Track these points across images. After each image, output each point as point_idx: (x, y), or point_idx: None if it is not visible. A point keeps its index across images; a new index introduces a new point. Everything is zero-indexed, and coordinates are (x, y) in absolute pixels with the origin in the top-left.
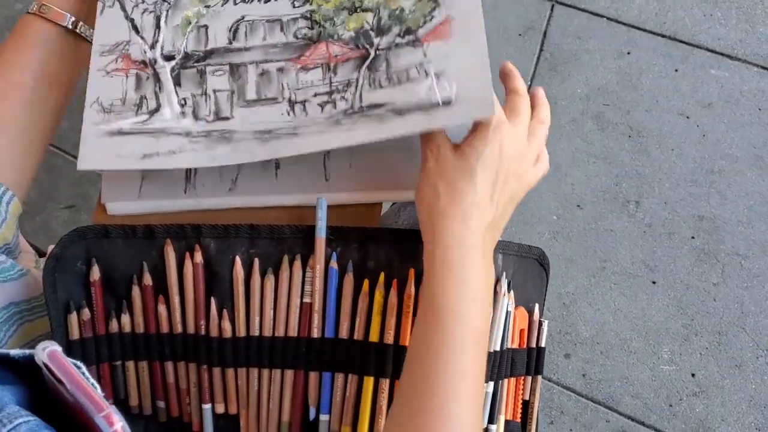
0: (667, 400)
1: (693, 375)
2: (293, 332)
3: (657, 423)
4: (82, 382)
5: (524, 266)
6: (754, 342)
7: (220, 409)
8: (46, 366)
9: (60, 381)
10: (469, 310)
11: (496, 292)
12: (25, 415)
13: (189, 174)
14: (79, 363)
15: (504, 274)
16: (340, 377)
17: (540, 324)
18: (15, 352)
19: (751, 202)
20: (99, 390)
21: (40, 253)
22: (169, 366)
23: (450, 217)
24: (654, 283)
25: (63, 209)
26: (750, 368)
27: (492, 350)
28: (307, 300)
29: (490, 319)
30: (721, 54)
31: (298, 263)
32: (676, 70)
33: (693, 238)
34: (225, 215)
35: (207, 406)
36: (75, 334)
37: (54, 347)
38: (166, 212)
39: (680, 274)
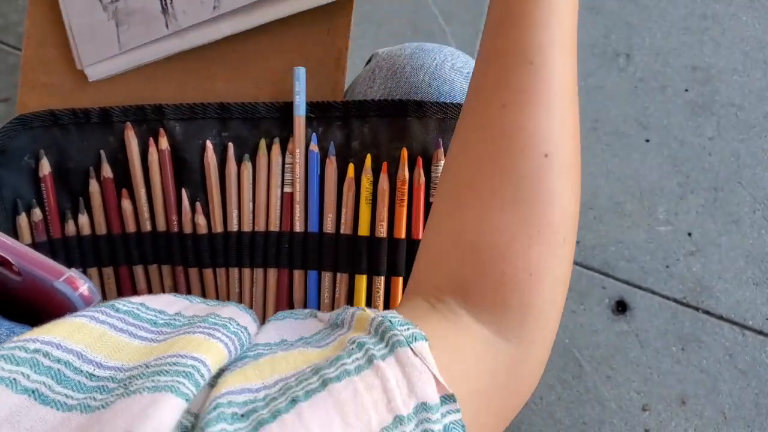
0: (663, 261)
1: (689, 234)
2: (274, 226)
3: (654, 285)
4: (28, 252)
5: None
6: (751, 196)
7: None
8: None
9: (1, 262)
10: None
11: None
12: None
13: (165, 3)
14: (18, 243)
15: None
16: (327, 276)
17: None
18: None
19: (747, 48)
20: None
21: None
22: (139, 270)
23: None
24: (647, 141)
25: None
26: (747, 223)
27: None
28: (288, 189)
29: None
30: None
31: (276, 147)
32: None
33: (687, 90)
34: (193, 91)
35: None
36: (26, 237)
37: None
38: (152, 61)
39: (674, 130)
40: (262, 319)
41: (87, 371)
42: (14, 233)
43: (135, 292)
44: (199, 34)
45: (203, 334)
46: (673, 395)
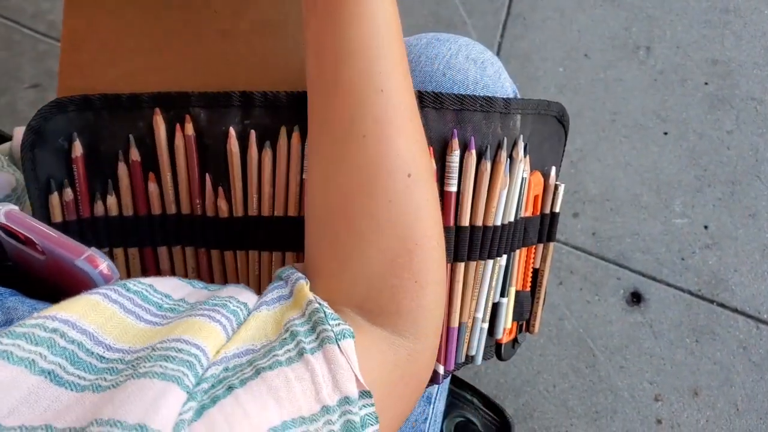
0: (679, 253)
1: (706, 227)
2: (294, 212)
3: (669, 277)
4: (51, 232)
5: (541, 125)
6: None
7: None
8: (6, 229)
9: (24, 241)
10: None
11: (512, 158)
12: None
13: None
14: (42, 224)
15: (521, 136)
16: None
17: (556, 188)
18: None
19: None
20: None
21: (5, 138)
22: (163, 252)
23: None
24: (666, 134)
25: (27, 89)
26: (764, 217)
27: (506, 222)
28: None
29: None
30: None
31: (297, 135)
32: None
33: (706, 84)
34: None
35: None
36: (57, 216)
37: (10, 207)
38: None
39: (693, 123)
40: None
41: (98, 353)
42: (46, 211)
43: (158, 272)
44: None
45: (204, 316)
46: (685, 386)
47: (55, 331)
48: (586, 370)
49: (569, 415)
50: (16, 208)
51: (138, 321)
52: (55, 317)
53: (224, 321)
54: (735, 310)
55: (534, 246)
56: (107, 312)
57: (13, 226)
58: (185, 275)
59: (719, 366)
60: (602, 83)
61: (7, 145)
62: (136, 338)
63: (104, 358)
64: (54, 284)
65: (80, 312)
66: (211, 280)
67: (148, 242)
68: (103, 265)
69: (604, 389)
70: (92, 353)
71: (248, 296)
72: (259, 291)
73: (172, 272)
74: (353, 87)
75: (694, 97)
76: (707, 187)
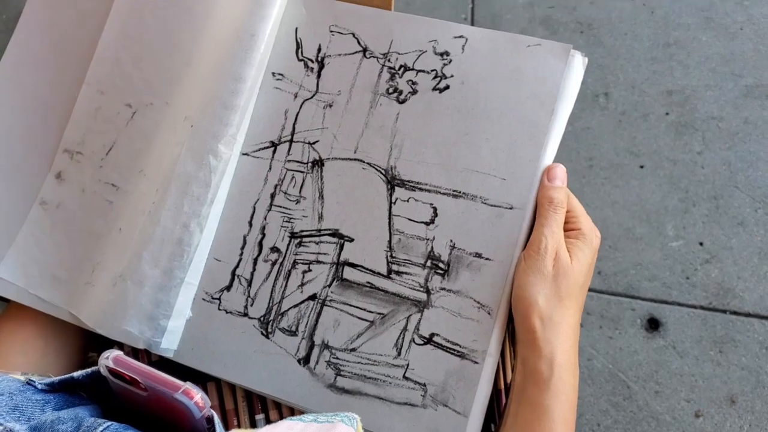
0: (682, 273)
1: (701, 244)
2: None
3: (679, 298)
4: (153, 372)
5: None
6: (750, 197)
7: (275, 416)
8: (114, 372)
9: (130, 381)
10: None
11: None
12: (103, 422)
13: None
14: (143, 365)
15: None
16: None
17: None
18: (77, 373)
19: (713, 65)
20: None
21: None
22: (212, 386)
23: (566, 333)
24: (642, 167)
25: None
26: (752, 222)
27: None
28: None
29: None
30: None
31: None
32: None
33: (667, 114)
34: None
35: (260, 417)
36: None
37: (117, 352)
38: None
39: (664, 152)
40: None
41: None
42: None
43: (221, 404)
44: None
45: None
46: (721, 397)
47: None
48: (624, 403)
49: None
50: (121, 353)
51: None
52: None
53: None
54: (748, 315)
55: None
56: None
57: (122, 370)
58: (234, 409)
59: (747, 371)
60: (572, 134)
61: None
62: None
63: None
64: (155, 415)
65: None
66: (263, 404)
67: (200, 380)
68: (197, 396)
69: (645, 417)
70: None
71: None
72: None
73: (221, 407)
74: None
75: (659, 128)
76: (693, 207)
